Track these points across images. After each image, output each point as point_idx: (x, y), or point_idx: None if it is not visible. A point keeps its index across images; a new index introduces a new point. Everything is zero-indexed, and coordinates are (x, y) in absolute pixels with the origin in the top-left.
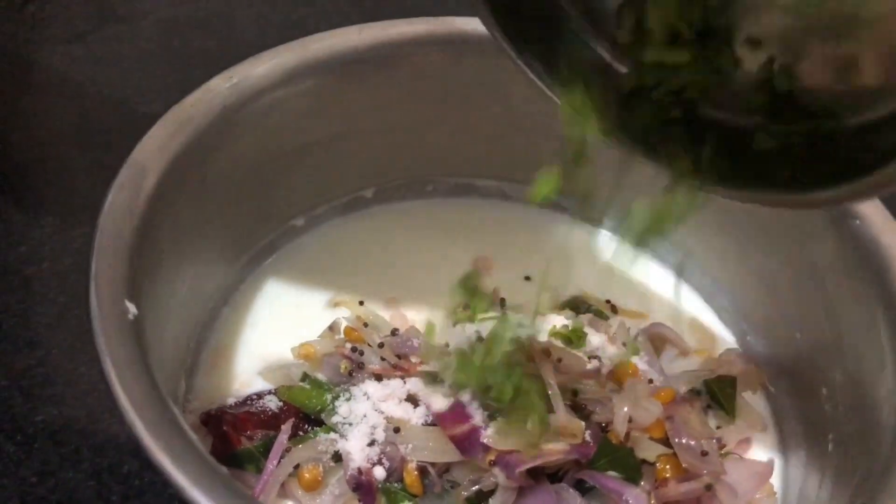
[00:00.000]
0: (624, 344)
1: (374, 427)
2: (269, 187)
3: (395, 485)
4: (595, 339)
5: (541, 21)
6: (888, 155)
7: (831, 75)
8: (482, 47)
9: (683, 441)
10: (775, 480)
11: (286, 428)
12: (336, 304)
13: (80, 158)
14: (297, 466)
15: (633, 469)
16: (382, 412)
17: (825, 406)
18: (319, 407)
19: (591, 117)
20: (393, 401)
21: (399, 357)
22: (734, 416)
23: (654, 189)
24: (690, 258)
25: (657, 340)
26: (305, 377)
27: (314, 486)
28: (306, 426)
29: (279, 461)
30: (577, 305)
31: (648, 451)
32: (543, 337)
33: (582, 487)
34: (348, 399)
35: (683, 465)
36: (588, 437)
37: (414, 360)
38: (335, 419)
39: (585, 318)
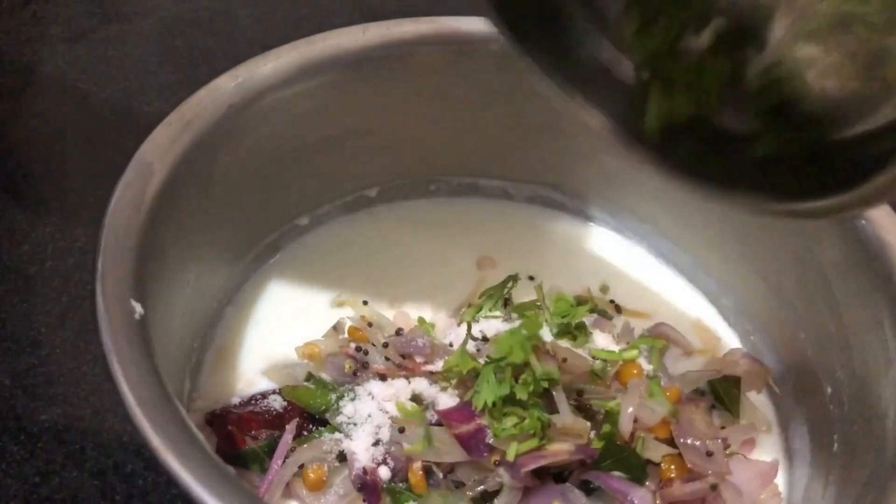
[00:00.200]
0: (628, 343)
1: (378, 427)
2: (273, 186)
3: (400, 485)
4: (600, 338)
5: (547, 21)
6: (887, 158)
7: (836, 80)
8: (486, 47)
9: (688, 441)
10: (780, 481)
11: (291, 428)
12: (340, 304)
13: (82, 158)
14: (301, 466)
15: (638, 469)
16: (387, 412)
17: (830, 406)
18: (324, 407)
19: None
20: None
21: (403, 357)
22: (739, 416)
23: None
24: (695, 258)
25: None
26: (310, 377)
27: (319, 486)
28: (311, 426)
29: (284, 461)
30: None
31: (654, 451)
32: (548, 337)
33: (587, 488)
34: (353, 399)
35: (688, 466)
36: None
37: (418, 359)
38: (340, 419)
39: (590, 318)
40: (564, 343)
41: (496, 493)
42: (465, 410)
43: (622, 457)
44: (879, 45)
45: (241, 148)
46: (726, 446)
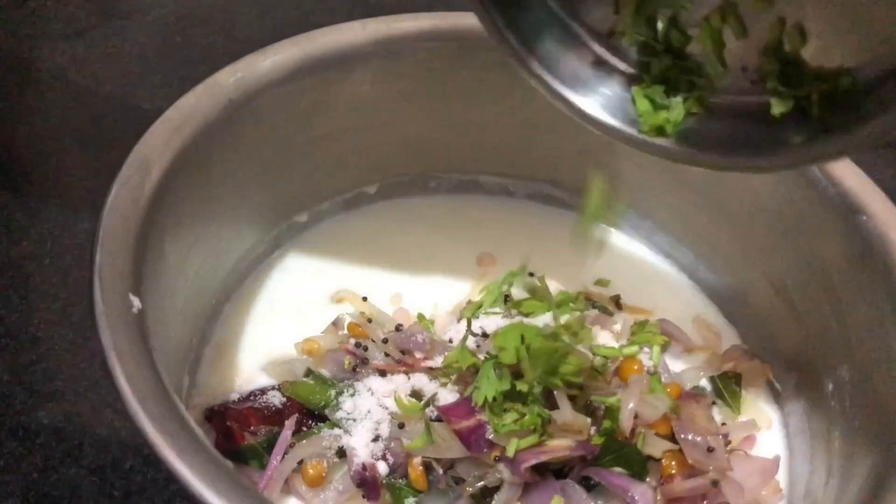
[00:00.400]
0: (629, 339)
1: (378, 423)
2: (272, 182)
3: (400, 480)
4: (600, 335)
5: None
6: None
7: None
8: (486, 43)
9: (689, 437)
10: (781, 477)
11: (290, 423)
12: (339, 300)
13: (82, 155)
14: (300, 462)
15: (638, 465)
16: (387, 407)
17: (831, 402)
18: (323, 402)
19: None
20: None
21: (403, 352)
22: (739, 412)
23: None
24: (695, 254)
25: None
26: (309, 373)
27: (318, 482)
28: (310, 422)
29: (283, 457)
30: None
31: (654, 447)
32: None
33: (588, 484)
34: (352, 395)
35: (689, 462)
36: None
37: (418, 355)
38: (339, 415)
39: (591, 314)
40: (566, 338)
41: (496, 488)
42: (465, 406)
43: (623, 453)
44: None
45: (241, 143)
46: (727, 442)
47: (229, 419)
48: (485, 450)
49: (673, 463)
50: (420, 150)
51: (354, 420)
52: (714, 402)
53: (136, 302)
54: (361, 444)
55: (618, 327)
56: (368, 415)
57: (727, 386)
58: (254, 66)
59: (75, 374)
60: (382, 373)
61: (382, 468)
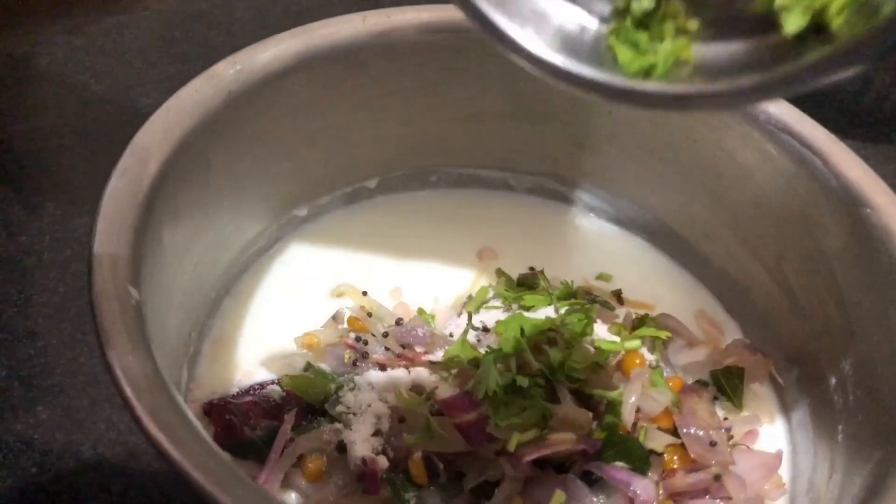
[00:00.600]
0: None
1: (378, 417)
2: (272, 175)
3: (400, 475)
4: (602, 329)
5: None
6: None
7: None
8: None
9: (691, 431)
10: (784, 471)
11: (289, 418)
12: (339, 294)
13: (80, 149)
14: (300, 457)
15: (640, 460)
16: (387, 402)
17: (834, 396)
18: (323, 397)
19: None
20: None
21: (403, 347)
22: (742, 407)
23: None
24: (697, 248)
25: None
26: (309, 367)
27: (318, 477)
28: (310, 416)
29: (283, 451)
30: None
31: (656, 441)
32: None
33: (589, 478)
34: (352, 389)
35: (692, 456)
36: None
37: (418, 349)
38: (339, 409)
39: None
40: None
41: (497, 483)
42: (465, 400)
43: (625, 447)
44: None
45: (240, 136)
46: (729, 437)
47: (228, 414)
48: (485, 444)
49: (675, 457)
50: (421, 144)
51: (354, 414)
52: (716, 397)
53: (135, 293)
54: (361, 439)
55: (619, 321)
56: (368, 409)
57: (729, 380)
58: (253, 58)
59: (74, 369)
60: (383, 367)
61: (382, 462)
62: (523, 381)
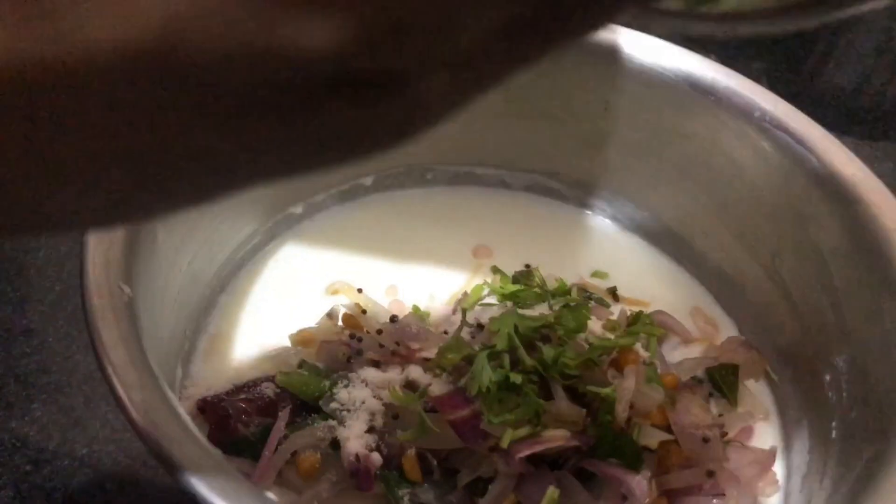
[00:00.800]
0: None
1: (372, 414)
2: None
3: (394, 472)
4: (596, 326)
5: None
6: None
7: None
8: None
9: (685, 428)
10: (778, 468)
11: (283, 415)
12: (335, 292)
13: None
14: (294, 454)
15: (634, 456)
16: (381, 399)
17: (829, 393)
18: (317, 394)
19: None
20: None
21: (398, 344)
22: (737, 403)
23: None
24: (693, 246)
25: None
26: (303, 364)
27: (312, 474)
28: (304, 413)
29: (276, 448)
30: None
31: (650, 438)
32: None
33: (583, 475)
34: (346, 386)
35: (685, 452)
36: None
37: (413, 346)
38: (333, 406)
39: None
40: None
41: (490, 479)
42: (458, 396)
43: (618, 444)
44: None
45: None
46: (724, 434)
47: (222, 411)
48: (479, 440)
49: (669, 454)
50: (417, 142)
51: (348, 411)
52: (711, 394)
53: (127, 290)
54: (355, 436)
55: (614, 318)
56: (362, 406)
57: (725, 377)
58: None
59: (69, 367)
60: (377, 364)
61: (376, 459)
62: (517, 378)
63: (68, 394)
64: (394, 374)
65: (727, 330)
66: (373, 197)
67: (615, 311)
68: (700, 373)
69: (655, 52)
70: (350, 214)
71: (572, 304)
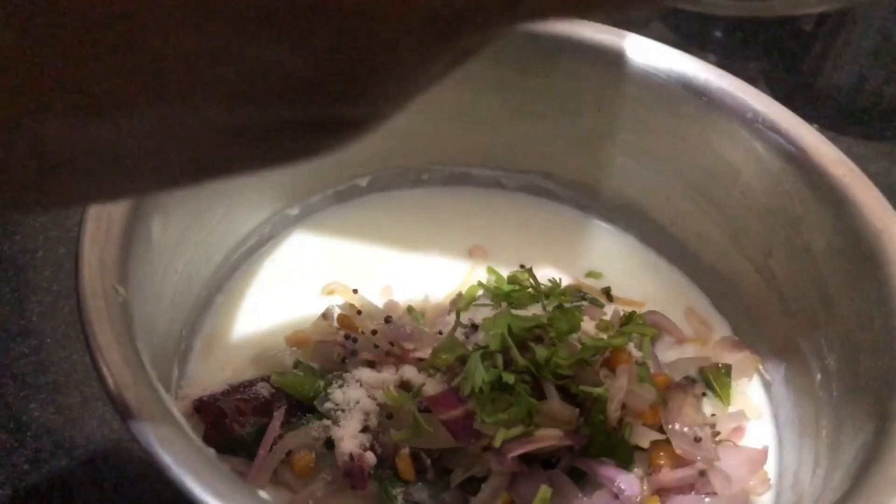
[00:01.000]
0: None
1: (366, 413)
2: (263, 174)
3: (388, 471)
4: (590, 326)
5: None
6: None
7: None
8: None
9: (677, 427)
10: (770, 467)
11: (278, 415)
12: (330, 292)
13: None
14: (289, 453)
15: (626, 455)
16: (375, 399)
17: (819, 393)
18: (312, 394)
19: None
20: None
21: (392, 344)
22: (730, 403)
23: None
24: (686, 246)
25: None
26: (298, 364)
27: (306, 473)
28: (299, 413)
29: (271, 448)
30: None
31: (642, 437)
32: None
33: (575, 474)
34: (341, 386)
35: (677, 452)
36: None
37: (407, 346)
38: (327, 406)
39: (581, 306)
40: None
41: (483, 479)
42: (452, 396)
43: (610, 443)
44: None
45: None
46: (716, 433)
47: (218, 410)
48: (472, 440)
49: (661, 453)
50: (412, 143)
51: (343, 411)
52: (704, 394)
53: (122, 290)
54: (349, 435)
55: (607, 318)
56: (357, 406)
57: (717, 377)
58: None
59: (67, 367)
60: (371, 364)
61: (370, 458)
62: (509, 378)
63: (66, 394)
64: (388, 375)
65: (721, 330)
66: (368, 198)
67: (608, 311)
68: (693, 372)
69: (649, 54)
70: (346, 215)
71: (566, 305)
